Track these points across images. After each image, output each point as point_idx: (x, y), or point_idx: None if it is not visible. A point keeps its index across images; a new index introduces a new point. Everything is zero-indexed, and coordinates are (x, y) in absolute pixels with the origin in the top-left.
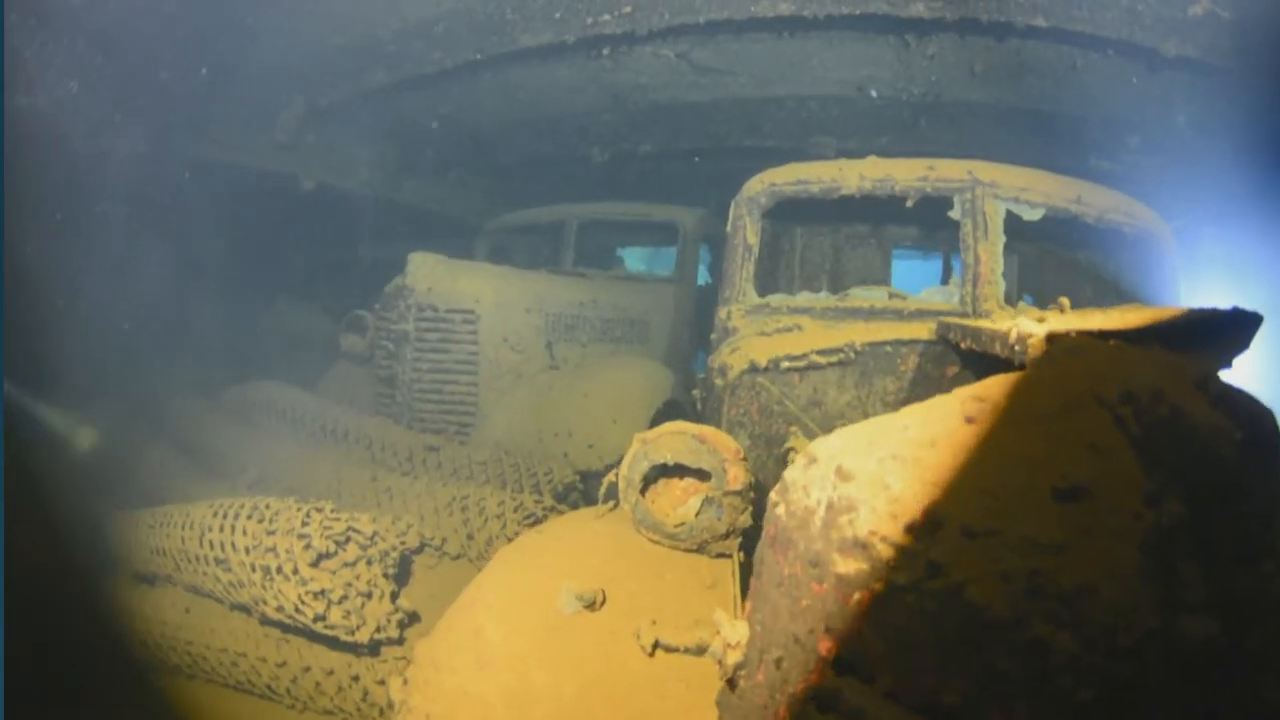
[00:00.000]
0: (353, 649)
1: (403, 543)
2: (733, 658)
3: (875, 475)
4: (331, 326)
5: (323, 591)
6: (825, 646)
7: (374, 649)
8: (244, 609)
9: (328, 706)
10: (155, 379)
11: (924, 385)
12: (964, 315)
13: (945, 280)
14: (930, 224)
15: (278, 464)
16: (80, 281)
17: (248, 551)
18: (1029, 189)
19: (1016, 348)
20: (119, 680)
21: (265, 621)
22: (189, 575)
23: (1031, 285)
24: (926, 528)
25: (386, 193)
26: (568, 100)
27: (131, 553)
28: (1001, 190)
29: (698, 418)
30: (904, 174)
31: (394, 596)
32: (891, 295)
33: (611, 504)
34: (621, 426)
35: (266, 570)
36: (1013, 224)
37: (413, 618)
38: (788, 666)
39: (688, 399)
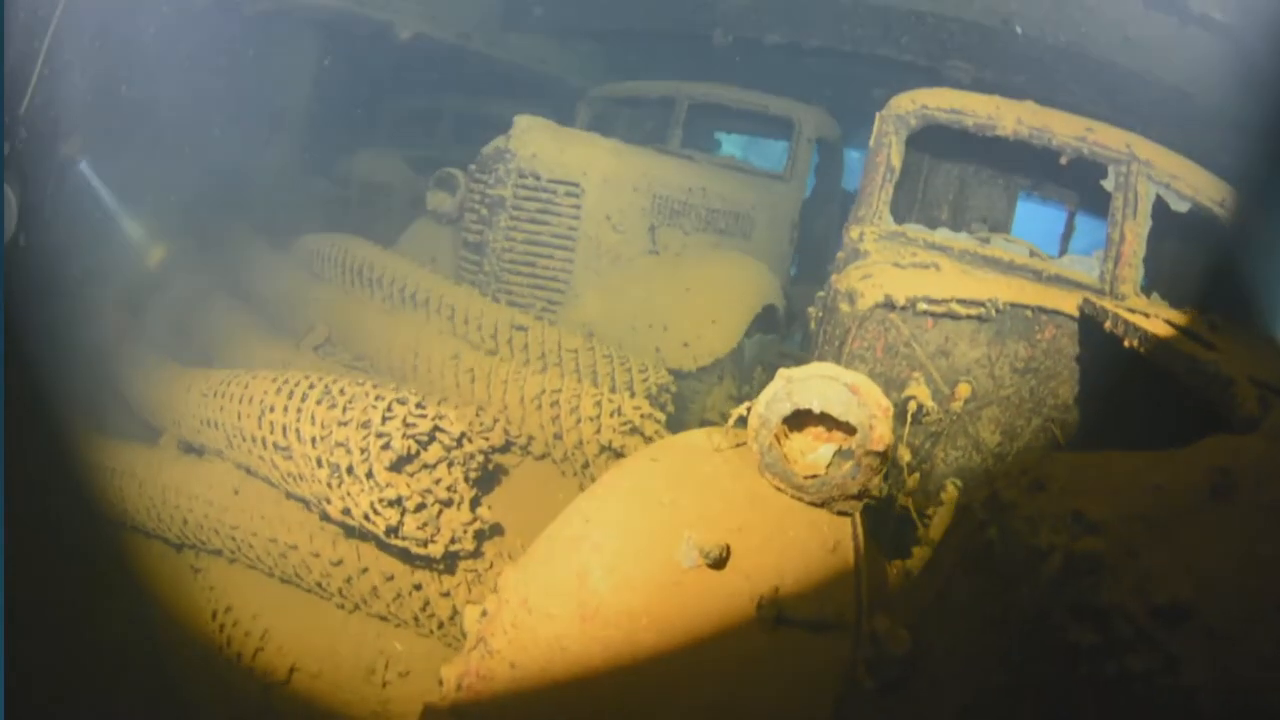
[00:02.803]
0: (424, 562)
1: (487, 441)
2: (889, 673)
3: (1123, 537)
4: (412, 177)
5: (399, 499)
6: (1032, 712)
7: (447, 563)
8: (302, 501)
9: (382, 612)
10: (228, 225)
11: (1055, 359)
12: (1101, 293)
13: (1067, 236)
14: (1060, 176)
15: (349, 326)
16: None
17: (314, 443)
18: (1180, 178)
19: (1221, 392)
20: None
21: (325, 518)
22: (241, 454)
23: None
24: (1173, 617)
25: (486, 48)
26: None
27: (181, 418)
28: (1155, 173)
29: (809, 337)
30: (1062, 129)
31: (474, 504)
32: (1032, 253)
33: (730, 432)
34: (720, 328)
35: (336, 468)
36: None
37: (494, 529)
38: (977, 716)
39: (785, 304)
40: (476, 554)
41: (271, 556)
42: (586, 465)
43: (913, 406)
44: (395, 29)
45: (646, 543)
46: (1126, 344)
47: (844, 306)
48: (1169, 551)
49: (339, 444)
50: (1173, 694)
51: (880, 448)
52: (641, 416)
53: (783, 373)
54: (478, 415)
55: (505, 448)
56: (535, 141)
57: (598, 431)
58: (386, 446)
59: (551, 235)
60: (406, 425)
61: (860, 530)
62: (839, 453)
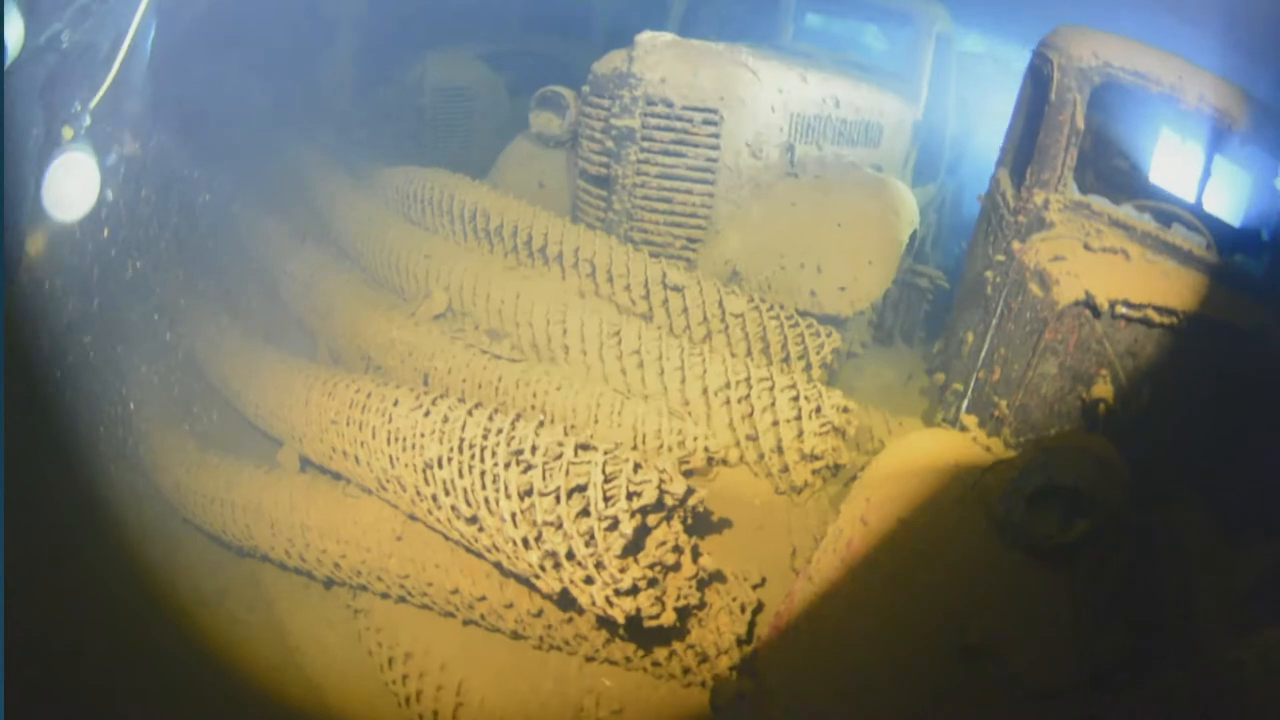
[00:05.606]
0: (654, 635)
1: (697, 472)
2: None
3: None
4: (491, 77)
5: (634, 586)
6: None
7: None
8: (495, 565)
9: (589, 654)
10: (299, 153)
11: (1234, 381)
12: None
13: (1205, 178)
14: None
15: (471, 291)
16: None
17: (515, 520)
18: None
19: None
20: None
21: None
22: (400, 502)
23: None
24: None
25: None
26: None
27: (303, 436)
28: None
29: (984, 301)
30: (1242, 113)
31: (695, 554)
32: (1208, 246)
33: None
34: (876, 269)
35: (553, 555)
36: None
37: (715, 577)
38: None
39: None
40: (701, 605)
41: (454, 606)
42: (785, 470)
43: (1102, 409)
44: None
45: (910, 632)
46: None
47: (1036, 290)
48: None
49: (549, 523)
50: None
51: (1119, 520)
52: (840, 412)
53: (1041, 444)
54: (676, 433)
55: (709, 465)
56: (663, 64)
57: (799, 435)
58: (613, 528)
59: (688, 168)
60: (630, 498)
61: (1077, 585)
62: (1078, 518)
